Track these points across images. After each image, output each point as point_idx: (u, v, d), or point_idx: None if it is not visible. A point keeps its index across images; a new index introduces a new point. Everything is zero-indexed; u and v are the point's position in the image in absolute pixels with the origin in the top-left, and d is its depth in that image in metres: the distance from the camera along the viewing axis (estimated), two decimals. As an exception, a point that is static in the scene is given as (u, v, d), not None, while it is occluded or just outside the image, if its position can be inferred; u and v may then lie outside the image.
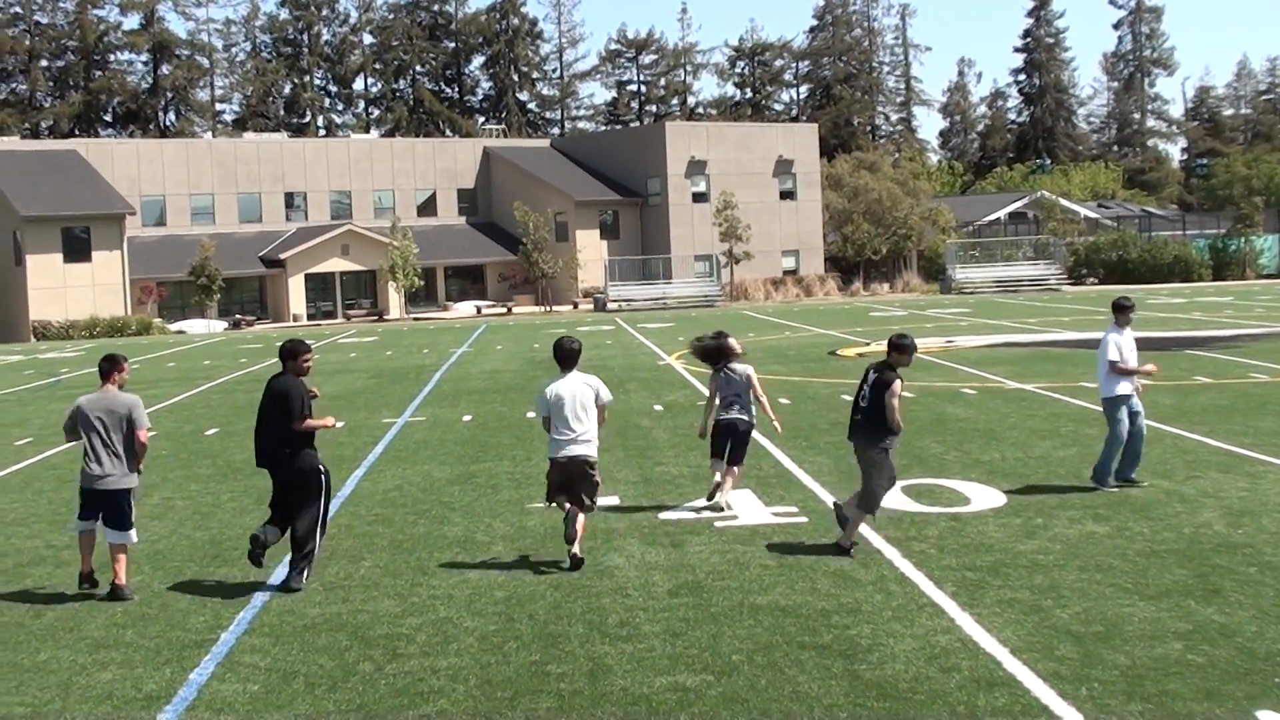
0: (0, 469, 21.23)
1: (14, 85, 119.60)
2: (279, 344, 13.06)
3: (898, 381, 12.93)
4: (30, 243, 71.08)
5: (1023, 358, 33.83)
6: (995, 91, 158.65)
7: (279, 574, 12.88)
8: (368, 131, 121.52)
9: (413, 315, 78.61)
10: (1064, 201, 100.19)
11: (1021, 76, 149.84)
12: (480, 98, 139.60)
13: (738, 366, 15.41)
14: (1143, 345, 17.79)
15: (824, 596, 11.45)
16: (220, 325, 74.56)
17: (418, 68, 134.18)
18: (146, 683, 9.86)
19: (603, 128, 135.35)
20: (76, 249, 72.12)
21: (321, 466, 12.61)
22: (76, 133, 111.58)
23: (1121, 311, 16.08)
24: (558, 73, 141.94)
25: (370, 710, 9.09)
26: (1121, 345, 15.86)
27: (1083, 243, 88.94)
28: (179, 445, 23.20)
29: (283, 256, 78.62)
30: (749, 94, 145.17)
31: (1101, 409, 16.29)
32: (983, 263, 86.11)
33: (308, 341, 12.89)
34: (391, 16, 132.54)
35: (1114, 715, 8.47)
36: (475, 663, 10.00)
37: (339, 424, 12.89)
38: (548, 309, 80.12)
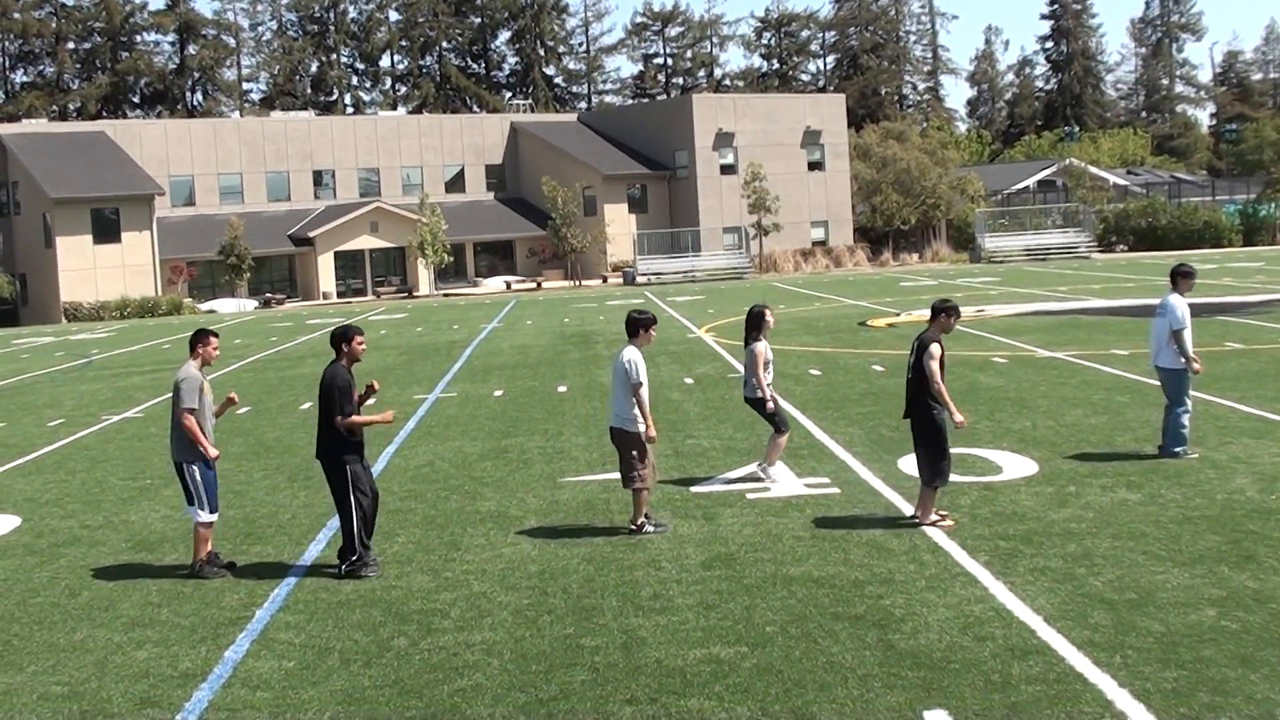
0: (34, 450, 21.37)
1: (41, 68, 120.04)
2: (331, 329, 12.70)
3: (934, 345, 12.88)
4: (60, 225, 71.36)
5: (1053, 326, 33.70)
6: (1023, 59, 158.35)
7: (311, 553, 12.95)
8: (395, 108, 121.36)
9: (442, 291, 78.67)
10: (1093, 169, 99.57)
11: (1049, 43, 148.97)
12: (507, 73, 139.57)
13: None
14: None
15: (857, 567, 11.45)
16: (251, 304, 74.76)
17: (444, 44, 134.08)
18: (182, 660, 9.92)
19: (629, 101, 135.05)
20: (106, 230, 72.36)
21: (347, 463, 11.99)
22: (104, 114, 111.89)
23: (1187, 278, 15.90)
24: (584, 47, 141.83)
25: (405, 685, 9.13)
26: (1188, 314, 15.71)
27: (1112, 210, 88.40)
28: (211, 424, 23.26)
29: (312, 235, 78.74)
30: (775, 65, 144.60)
31: (1161, 379, 16.06)
32: (1012, 231, 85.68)
33: (358, 326, 12.36)
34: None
35: (1149, 682, 8.44)
36: (509, 637, 10.03)
37: (388, 419, 12.66)
38: (577, 284, 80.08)
